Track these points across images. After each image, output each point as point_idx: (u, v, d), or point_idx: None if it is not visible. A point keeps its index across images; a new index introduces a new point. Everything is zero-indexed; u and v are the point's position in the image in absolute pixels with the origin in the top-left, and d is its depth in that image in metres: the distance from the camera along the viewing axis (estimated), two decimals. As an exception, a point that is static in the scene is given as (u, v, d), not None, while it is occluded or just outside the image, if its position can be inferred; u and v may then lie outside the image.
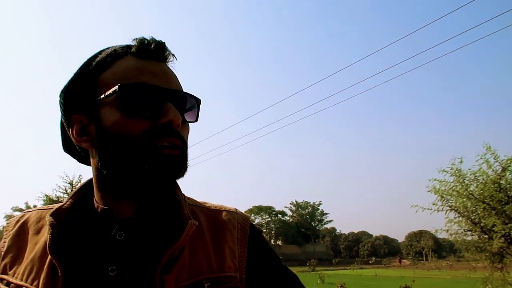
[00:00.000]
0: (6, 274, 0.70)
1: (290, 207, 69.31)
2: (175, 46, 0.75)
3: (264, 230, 60.64)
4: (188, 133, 0.71)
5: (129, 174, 0.64)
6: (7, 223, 0.79)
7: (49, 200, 23.56)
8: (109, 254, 0.65)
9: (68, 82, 0.72)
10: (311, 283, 19.71)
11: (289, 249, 61.74)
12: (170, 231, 0.67)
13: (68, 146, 0.78)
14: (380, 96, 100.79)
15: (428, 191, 7.92)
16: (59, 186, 22.50)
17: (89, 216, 0.71)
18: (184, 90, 0.73)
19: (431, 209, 7.88)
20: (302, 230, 66.42)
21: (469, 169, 7.69)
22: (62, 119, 0.75)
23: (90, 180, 0.75)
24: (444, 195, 7.78)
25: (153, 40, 0.71)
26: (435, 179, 7.87)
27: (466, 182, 7.64)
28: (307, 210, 68.58)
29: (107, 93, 0.65)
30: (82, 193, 0.75)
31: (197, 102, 0.73)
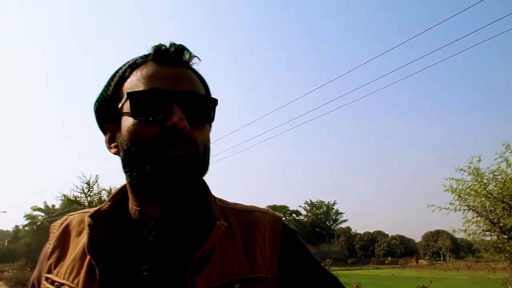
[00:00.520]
0: (51, 273, 0.76)
1: (305, 206, 69.12)
2: (191, 45, 0.76)
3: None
4: (204, 134, 0.72)
5: (144, 178, 0.67)
6: (52, 226, 0.85)
7: (67, 200, 24.00)
8: (142, 254, 0.69)
9: (99, 93, 0.78)
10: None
11: (304, 249, 61.21)
12: (199, 232, 0.69)
13: None
14: (395, 92, 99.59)
15: (445, 191, 7.79)
16: (76, 186, 22.86)
17: (124, 218, 0.75)
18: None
19: (448, 209, 7.75)
20: (317, 229, 66.12)
21: (488, 168, 7.53)
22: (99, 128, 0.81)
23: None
24: (461, 195, 7.63)
25: (171, 45, 0.73)
26: (452, 178, 7.73)
27: (485, 181, 7.47)
28: (321, 210, 68.23)
29: (122, 101, 0.71)
30: (120, 196, 0.79)
31: (212, 102, 0.74)
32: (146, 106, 0.67)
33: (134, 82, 0.71)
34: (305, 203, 69.41)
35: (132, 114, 0.68)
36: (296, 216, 67.25)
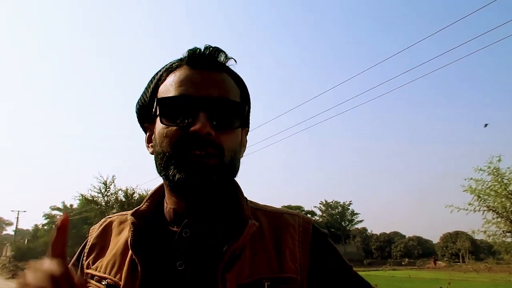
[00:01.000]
0: (90, 268, 0.80)
1: (320, 206, 68.74)
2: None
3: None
4: (231, 139, 0.74)
5: (171, 176, 0.71)
6: (92, 228, 0.90)
7: (85, 200, 24.47)
8: (177, 251, 0.72)
9: (141, 95, 0.84)
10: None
11: (319, 249, 61.04)
12: (231, 231, 0.73)
13: None
14: (414, 89, 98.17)
15: (464, 191, 7.65)
16: (93, 186, 23.36)
17: (160, 217, 0.80)
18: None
19: (467, 209, 7.60)
20: (332, 230, 65.68)
21: (508, 168, 7.36)
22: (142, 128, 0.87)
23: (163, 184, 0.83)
24: (481, 195, 7.48)
25: (206, 48, 0.76)
26: (471, 178, 7.58)
27: (505, 181, 7.30)
28: (337, 210, 67.77)
29: (155, 105, 0.76)
30: (156, 196, 0.84)
31: (242, 107, 0.76)
32: (174, 112, 0.72)
33: (167, 87, 0.75)
34: (320, 203, 69.08)
35: (161, 118, 0.73)
36: (311, 216, 66.90)
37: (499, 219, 7.49)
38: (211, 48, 0.76)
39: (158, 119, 0.74)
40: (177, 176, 0.69)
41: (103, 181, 23.44)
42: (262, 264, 0.71)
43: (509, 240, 7.70)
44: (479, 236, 8.23)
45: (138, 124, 0.87)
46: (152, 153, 0.79)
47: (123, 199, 23.43)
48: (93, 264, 0.80)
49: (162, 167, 0.73)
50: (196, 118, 0.69)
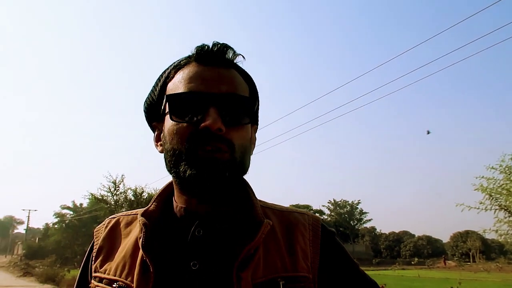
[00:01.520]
0: (98, 272, 0.79)
1: (328, 206, 68.56)
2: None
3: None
4: (242, 135, 0.73)
5: (182, 174, 0.70)
6: (96, 230, 0.88)
7: (94, 199, 24.70)
8: (190, 250, 0.71)
9: (148, 93, 0.82)
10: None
11: (328, 249, 60.90)
12: (246, 230, 0.72)
13: None
14: (425, 87, 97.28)
15: (475, 190, 7.57)
16: (103, 185, 23.55)
17: (170, 216, 0.78)
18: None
19: (478, 208, 7.51)
20: (341, 229, 65.47)
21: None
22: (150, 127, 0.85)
23: (170, 183, 0.82)
24: (492, 194, 7.40)
25: (214, 44, 0.75)
26: (482, 177, 7.50)
27: (518, 180, 7.20)
28: (345, 209, 67.52)
29: (164, 102, 0.75)
30: (164, 195, 0.82)
31: (252, 103, 0.76)
32: (184, 108, 0.71)
33: (176, 84, 0.74)
34: (328, 202, 68.87)
35: (170, 115, 0.71)
36: (320, 215, 66.74)
37: (511, 218, 7.40)
38: (219, 45, 0.75)
39: (167, 117, 0.73)
40: (188, 172, 0.68)
41: (113, 180, 23.62)
42: (276, 263, 0.71)
43: (521, 239, 7.60)
44: (490, 235, 8.14)
45: (146, 123, 0.86)
46: (161, 152, 0.78)
47: (132, 198, 23.59)
48: (101, 267, 0.79)
49: (172, 164, 0.72)
50: (206, 114, 0.68)
